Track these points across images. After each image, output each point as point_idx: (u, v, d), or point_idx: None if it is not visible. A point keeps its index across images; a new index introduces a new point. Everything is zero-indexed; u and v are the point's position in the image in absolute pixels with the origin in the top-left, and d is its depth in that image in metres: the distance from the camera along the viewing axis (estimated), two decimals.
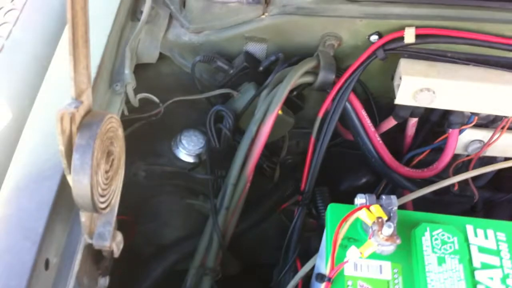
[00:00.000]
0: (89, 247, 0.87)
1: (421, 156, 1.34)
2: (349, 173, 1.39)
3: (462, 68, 1.21)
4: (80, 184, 0.69)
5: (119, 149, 0.79)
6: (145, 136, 1.27)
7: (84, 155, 0.69)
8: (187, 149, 1.29)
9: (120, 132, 0.80)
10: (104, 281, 0.98)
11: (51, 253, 0.80)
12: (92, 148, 0.69)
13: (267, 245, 1.39)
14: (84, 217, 0.76)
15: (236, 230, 1.24)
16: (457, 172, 1.30)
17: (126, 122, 1.22)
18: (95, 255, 0.89)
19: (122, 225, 0.92)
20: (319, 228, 1.13)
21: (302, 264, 1.12)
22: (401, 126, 1.35)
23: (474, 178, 1.34)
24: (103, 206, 0.74)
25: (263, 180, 1.37)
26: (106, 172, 0.75)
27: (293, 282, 1.08)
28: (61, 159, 0.70)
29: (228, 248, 1.25)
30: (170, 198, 1.33)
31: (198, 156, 1.30)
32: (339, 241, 0.93)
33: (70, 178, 0.70)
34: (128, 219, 1.20)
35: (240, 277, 1.35)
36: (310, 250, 1.20)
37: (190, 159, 1.30)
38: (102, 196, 0.74)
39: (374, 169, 1.31)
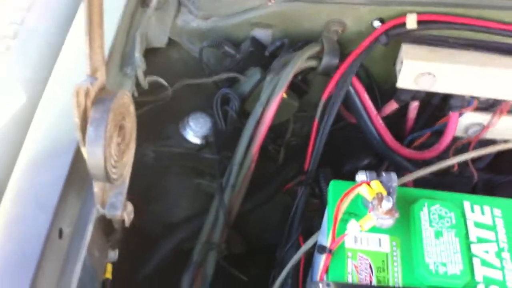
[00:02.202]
0: (101, 219, 0.91)
1: (422, 139, 1.37)
2: (351, 155, 1.43)
3: (463, 53, 1.25)
4: (94, 155, 0.73)
5: (130, 124, 0.84)
6: (154, 119, 1.31)
7: (98, 127, 0.73)
8: (195, 131, 1.33)
9: (131, 108, 0.84)
10: (114, 254, 1.03)
11: (64, 223, 0.84)
12: (106, 121, 0.73)
13: (271, 225, 1.43)
14: (97, 187, 0.81)
15: (241, 209, 1.29)
16: (457, 154, 1.33)
17: (135, 105, 1.26)
18: (106, 227, 0.94)
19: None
20: (322, 208, 1.16)
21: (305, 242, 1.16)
22: (403, 110, 1.38)
23: (474, 161, 1.37)
24: (115, 176, 0.78)
25: (268, 162, 1.41)
26: (118, 145, 0.80)
27: (296, 257, 1.11)
28: (76, 131, 0.74)
29: (234, 227, 1.30)
30: (178, 179, 1.37)
31: (205, 137, 1.34)
32: (340, 216, 0.97)
33: (84, 150, 0.74)
34: (138, 199, 1.24)
35: (245, 256, 1.39)
36: (312, 229, 1.23)
37: (198, 141, 1.34)
38: (115, 167, 0.78)
39: (376, 151, 1.35)
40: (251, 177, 1.29)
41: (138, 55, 1.16)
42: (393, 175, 0.99)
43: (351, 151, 1.42)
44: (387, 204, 0.93)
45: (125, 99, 0.80)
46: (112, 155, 0.77)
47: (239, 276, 1.29)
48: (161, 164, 1.35)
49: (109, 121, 0.74)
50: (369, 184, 0.97)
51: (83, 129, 0.74)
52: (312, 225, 1.26)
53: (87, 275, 0.92)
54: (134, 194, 0.98)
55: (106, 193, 0.84)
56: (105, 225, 0.94)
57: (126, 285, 1.16)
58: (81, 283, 0.89)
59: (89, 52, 0.74)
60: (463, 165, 1.36)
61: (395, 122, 1.39)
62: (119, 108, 0.78)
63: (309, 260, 1.17)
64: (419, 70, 1.22)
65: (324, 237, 1.01)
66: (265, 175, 1.39)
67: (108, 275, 1.02)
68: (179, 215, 1.36)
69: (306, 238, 1.17)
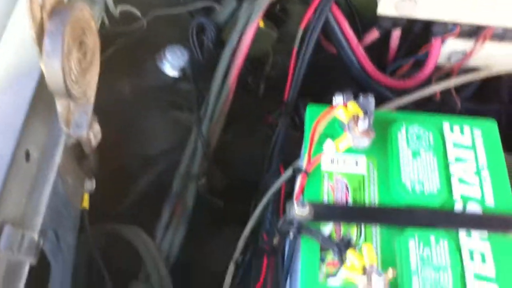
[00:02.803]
0: (71, 145, 0.89)
1: (404, 68, 1.35)
2: (333, 85, 1.40)
3: None
4: (51, 68, 0.70)
5: (92, 41, 0.81)
6: (129, 53, 1.28)
7: (54, 39, 0.70)
8: (171, 63, 1.30)
9: (93, 25, 0.81)
10: (90, 184, 1.01)
11: (31, 145, 0.82)
12: (62, 33, 0.70)
13: (252, 161, 1.41)
14: (60, 106, 0.78)
15: (221, 141, 1.27)
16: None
17: (109, 38, 1.23)
18: (76, 153, 0.92)
19: (109, 143, 0.95)
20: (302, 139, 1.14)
21: None
22: (385, 40, 1.35)
23: (458, 90, 1.34)
24: (77, 93, 0.76)
25: (248, 95, 1.39)
26: (79, 61, 0.77)
27: (277, 184, 1.10)
28: (33, 45, 0.71)
29: (214, 162, 1.28)
30: (156, 113, 1.34)
31: (183, 70, 1.30)
32: (316, 137, 0.95)
33: (43, 64, 0.72)
34: (115, 134, 1.21)
35: (225, 191, 1.38)
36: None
37: (175, 73, 1.31)
38: (76, 83, 0.75)
39: (358, 81, 1.32)
40: (231, 109, 1.27)
41: None
42: (370, 97, 0.96)
43: (332, 82, 1.39)
44: (363, 124, 0.91)
45: (85, 13, 0.77)
46: (72, 69, 0.74)
47: (219, 206, 1.28)
48: (138, 98, 1.32)
49: (66, 33, 0.71)
50: (346, 106, 0.95)
51: (41, 44, 0.71)
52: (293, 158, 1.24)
53: (61, 201, 0.91)
54: (112, 129, 0.96)
55: (70, 112, 0.81)
56: (77, 151, 0.92)
57: (106, 217, 1.15)
58: (55, 209, 0.88)
59: None
60: (446, 94, 1.33)
61: (377, 51, 1.35)
62: (78, 22, 0.75)
63: (290, 193, 1.16)
64: None
65: (302, 161, 0.99)
66: (245, 108, 1.36)
67: (85, 204, 1.01)
68: (158, 148, 1.34)
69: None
